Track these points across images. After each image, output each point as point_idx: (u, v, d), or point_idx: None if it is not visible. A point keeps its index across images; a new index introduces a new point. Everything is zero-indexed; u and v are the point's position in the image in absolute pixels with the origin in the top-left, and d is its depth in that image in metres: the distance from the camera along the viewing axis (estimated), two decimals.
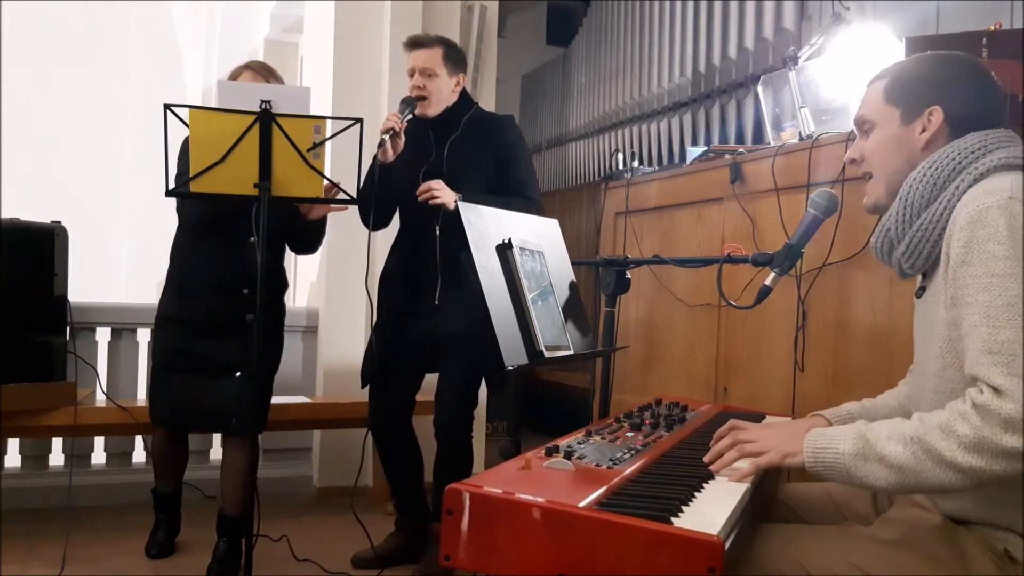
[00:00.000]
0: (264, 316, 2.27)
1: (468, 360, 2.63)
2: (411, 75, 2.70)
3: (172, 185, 2.37)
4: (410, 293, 2.73)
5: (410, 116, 2.60)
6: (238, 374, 2.61)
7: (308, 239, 2.80)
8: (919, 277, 1.41)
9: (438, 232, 2.65)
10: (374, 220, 2.62)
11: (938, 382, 1.28)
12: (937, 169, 1.29)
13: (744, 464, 1.32)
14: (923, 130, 1.35)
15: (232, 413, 2.58)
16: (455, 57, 2.75)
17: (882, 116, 1.39)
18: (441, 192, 2.54)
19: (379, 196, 2.58)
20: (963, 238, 1.19)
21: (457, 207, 1.79)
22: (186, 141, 2.40)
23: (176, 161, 2.59)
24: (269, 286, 2.53)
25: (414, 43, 2.72)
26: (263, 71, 2.68)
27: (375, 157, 2.61)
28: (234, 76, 2.67)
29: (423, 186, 2.56)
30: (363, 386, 2.81)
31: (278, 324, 2.78)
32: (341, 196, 2.42)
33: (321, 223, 2.75)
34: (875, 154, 1.41)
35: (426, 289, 2.68)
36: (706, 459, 1.38)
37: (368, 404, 2.81)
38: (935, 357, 1.28)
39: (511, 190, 2.68)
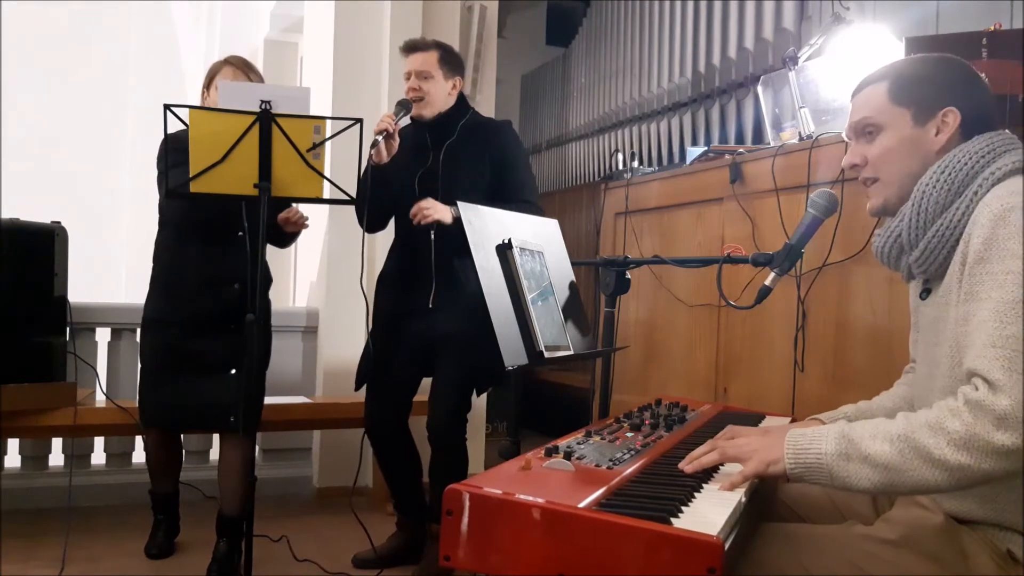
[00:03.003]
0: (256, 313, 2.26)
1: (462, 364, 2.63)
2: (407, 78, 2.70)
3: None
4: (406, 295, 2.72)
5: (404, 118, 2.60)
6: (232, 372, 2.61)
7: (283, 235, 2.78)
8: (922, 279, 1.40)
9: (433, 236, 2.64)
10: (368, 222, 2.63)
11: (949, 381, 1.26)
12: (950, 174, 1.28)
13: (731, 469, 1.30)
14: (937, 132, 1.33)
15: (227, 411, 2.58)
16: (451, 60, 2.75)
17: (891, 118, 1.36)
18: (432, 210, 2.51)
19: (373, 198, 2.55)
20: (983, 235, 1.19)
21: (457, 207, 1.79)
22: (166, 140, 2.39)
23: (158, 160, 2.59)
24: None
25: (410, 47, 2.73)
26: (243, 66, 2.68)
27: (369, 158, 2.60)
28: (214, 71, 2.68)
29: (415, 207, 2.53)
30: (356, 388, 2.81)
31: (267, 320, 2.78)
32: (340, 196, 2.42)
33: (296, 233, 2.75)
34: (885, 157, 1.37)
35: (421, 292, 2.68)
36: (681, 464, 1.33)
37: (364, 406, 2.80)
38: (946, 356, 1.27)
39: (509, 194, 2.66)
